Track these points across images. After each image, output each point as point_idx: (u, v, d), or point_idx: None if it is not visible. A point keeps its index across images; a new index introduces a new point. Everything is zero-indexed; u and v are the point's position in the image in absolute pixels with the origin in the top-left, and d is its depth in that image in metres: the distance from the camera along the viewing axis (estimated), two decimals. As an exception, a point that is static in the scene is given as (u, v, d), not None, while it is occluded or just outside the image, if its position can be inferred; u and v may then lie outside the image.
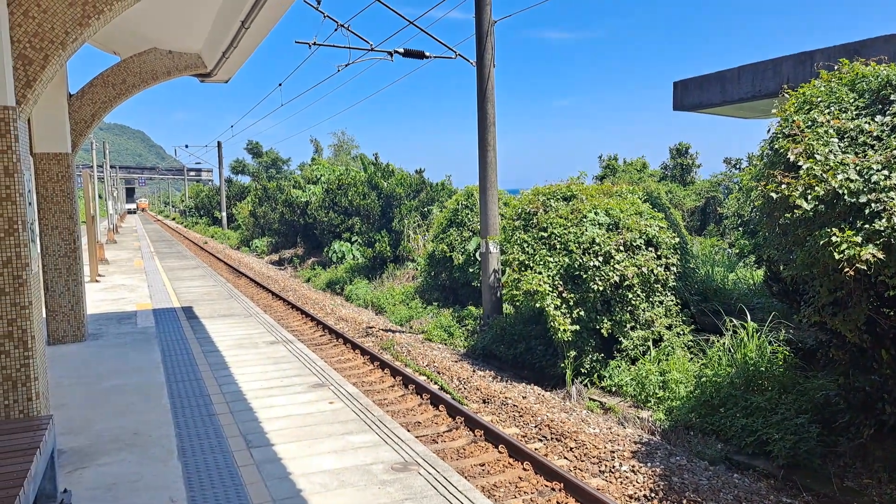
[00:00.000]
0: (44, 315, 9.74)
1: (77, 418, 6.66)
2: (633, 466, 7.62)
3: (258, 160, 78.04)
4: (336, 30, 15.50)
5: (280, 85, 23.16)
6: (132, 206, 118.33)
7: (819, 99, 7.14)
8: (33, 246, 4.98)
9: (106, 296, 15.74)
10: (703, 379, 9.26)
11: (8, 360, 4.74)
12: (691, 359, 10.29)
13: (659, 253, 11.16)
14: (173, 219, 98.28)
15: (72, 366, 8.79)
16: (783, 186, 6.62)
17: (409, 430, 8.83)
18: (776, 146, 7.16)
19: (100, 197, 48.02)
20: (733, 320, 9.91)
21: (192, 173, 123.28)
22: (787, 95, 7.72)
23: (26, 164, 4.97)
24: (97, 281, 18.72)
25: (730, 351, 9.47)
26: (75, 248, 9.97)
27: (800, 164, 6.61)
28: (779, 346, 9.12)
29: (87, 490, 5.00)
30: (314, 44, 16.08)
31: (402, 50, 15.79)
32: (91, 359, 9.18)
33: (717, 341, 9.93)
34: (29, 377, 4.80)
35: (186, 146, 72.12)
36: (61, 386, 7.82)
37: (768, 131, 7.67)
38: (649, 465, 7.65)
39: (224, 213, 56.95)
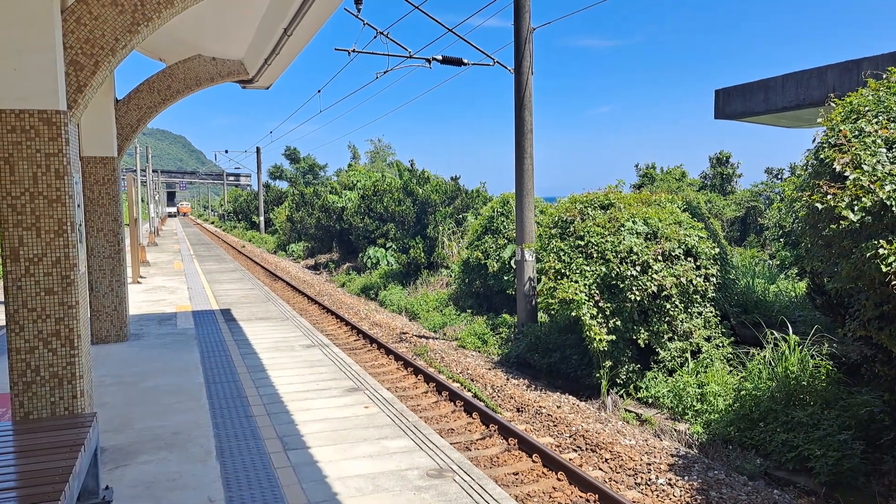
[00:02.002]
0: (88, 315, 9.97)
1: (119, 417, 6.79)
2: (670, 479, 7.51)
3: (296, 166, 78.93)
4: (375, 37, 15.63)
5: (319, 91, 23.45)
6: (172, 209, 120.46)
7: (867, 108, 6.99)
8: (81, 247, 5.11)
9: (147, 297, 16.05)
10: (743, 392, 9.09)
11: (55, 358, 4.86)
12: (730, 371, 10.10)
13: (698, 263, 10.99)
14: (212, 223, 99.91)
15: (114, 365, 8.98)
16: (829, 197, 6.49)
17: (443, 437, 8.83)
18: (822, 156, 7.02)
19: (142, 200, 49.05)
20: (774, 333, 9.72)
21: (231, 178, 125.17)
22: (833, 104, 7.57)
23: (76, 167, 5.11)
24: (139, 282, 19.10)
25: (770, 364, 9.28)
26: (119, 250, 10.19)
27: (846, 174, 6.47)
28: (821, 360, 8.91)
29: (128, 488, 5.09)
30: (353, 51, 16.25)
31: (440, 57, 15.86)
32: (133, 359, 9.37)
33: (758, 354, 9.74)
34: (74, 375, 4.91)
35: (226, 151, 73.38)
36: (104, 385, 7.99)
37: (813, 141, 7.53)
38: (686, 478, 7.52)
39: (262, 218, 57.71)
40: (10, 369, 4.78)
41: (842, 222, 6.33)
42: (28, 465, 3.78)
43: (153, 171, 63.27)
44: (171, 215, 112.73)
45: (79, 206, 5.14)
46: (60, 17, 4.82)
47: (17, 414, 4.82)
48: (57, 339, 4.85)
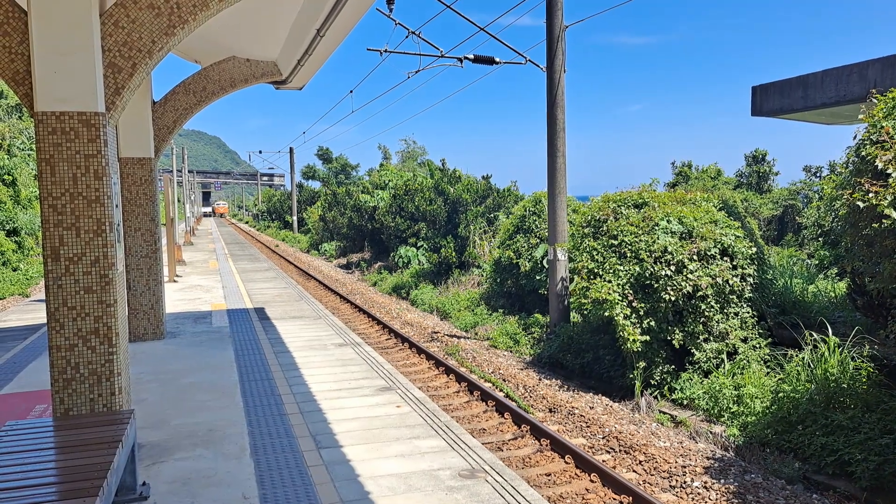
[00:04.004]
0: (126, 313, 10.15)
1: (156, 413, 6.90)
2: (706, 483, 7.40)
3: (328, 166, 79.54)
4: (407, 37, 15.66)
5: (351, 92, 23.59)
6: (208, 209, 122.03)
7: (911, 104, 6.80)
8: (119, 246, 5.20)
9: (183, 295, 16.29)
10: (781, 394, 8.91)
11: (94, 356, 4.95)
12: (768, 373, 9.92)
13: (735, 263, 10.82)
14: (246, 222, 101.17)
15: (151, 363, 9.12)
16: (871, 195, 6.33)
17: (475, 437, 8.81)
18: (863, 153, 6.86)
19: (178, 200, 49.86)
20: (813, 334, 9.52)
21: (265, 178, 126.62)
22: (875, 100, 7.38)
23: (114, 167, 5.20)
24: (175, 281, 19.41)
25: (809, 366, 9.09)
26: (156, 250, 10.36)
27: (889, 171, 6.31)
28: (862, 362, 8.70)
29: (165, 483, 5.17)
30: (385, 51, 16.30)
31: (472, 56, 15.84)
32: (169, 356, 9.51)
33: (796, 356, 9.55)
34: (113, 372, 5.00)
35: (260, 152, 74.30)
36: (141, 382, 8.12)
37: (854, 137, 7.36)
38: (722, 481, 7.41)
39: (295, 218, 58.28)
40: (51, 366, 4.89)
41: (884, 221, 6.17)
42: (68, 460, 3.86)
43: (189, 171, 64.28)
44: (206, 215, 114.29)
45: (117, 206, 5.22)
46: (99, 20, 4.91)
47: (57, 410, 4.92)
48: (96, 336, 4.95)
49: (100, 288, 4.93)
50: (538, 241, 16.94)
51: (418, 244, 26.16)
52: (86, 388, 4.95)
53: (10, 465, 3.75)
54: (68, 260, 4.86)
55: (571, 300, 13.21)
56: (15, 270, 22.09)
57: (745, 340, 10.59)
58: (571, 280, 13.39)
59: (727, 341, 10.48)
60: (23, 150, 31.81)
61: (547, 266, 14.99)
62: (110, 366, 4.99)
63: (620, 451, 8.42)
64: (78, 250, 4.87)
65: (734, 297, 10.69)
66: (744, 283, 10.73)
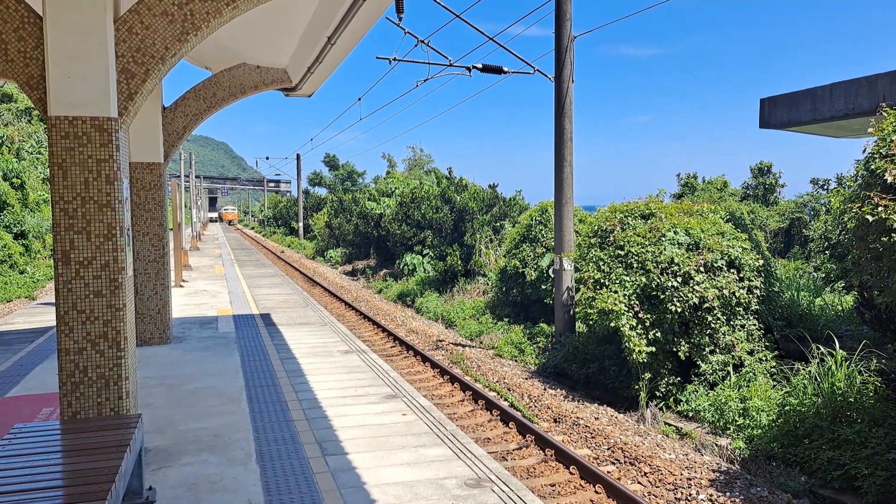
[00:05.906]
0: (134, 317, 10.16)
1: (162, 418, 6.91)
2: (711, 495, 7.36)
3: (335, 173, 79.76)
4: (416, 45, 15.74)
5: (360, 99, 23.66)
6: (214, 214, 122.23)
7: (920, 118, 6.80)
8: (128, 251, 5.22)
9: (189, 301, 16.32)
10: (787, 407, 8.88)
11: (102, 360, 4.97)
12: (774, 386, 9.88)
13: (741, 275, 10.79)
14: (252, 228, 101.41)
15: (158, 367, 9.14)
16: (880, 209, 6.32)
17: (480, 446, 8.79)
18: (872, 167, 6.86)
19: (185, 206, 50.01)
20: (820, 347, 9.48)
21: (272, 184, 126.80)
22: (884, 114, 7.38)
23: (125, 172, 5.23)
24: (181, 286, 19.45)
25: (816, 379, 9.05)
26: (164, 254, 10.39)
27: (899, 185, 6.30)
28: (870, 376, 8.66)
29: (171, 489, 5.17)
30: (394, 59, 16.36)
31: (480, 65, 15.89)
32: (175, 361, 9.53)
33: (803, 369, 9.51)
34: (120, 376, 5.02)
35: (267, 158, 74.51)
36: (147, 386, 8.14)
37: (864, 151, 7.35)
38: (728, 494, 7.37)
39: (301, 224, 58.38)
40: (60, 369, 4.90)
41: (893, 235, 6.16)
42: (75, 464, 3.87)
43: (195, 176, 64.50)
44: (212, 220, 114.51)
45: (127, 210, 5.25)
46: (113, 26, 4.95)
47: (65, 413, 4.94)
48: (104, 340, 4.96)
49: (109, 292, 4.95)
50: (544, 250, 16.94)
51: (424, 252, 26.17)
52: (93, 391, 4.96)
53: (17, 468, 3.75)
54: (79, 264, 4.88)
55: (577, 310, 13.20)
56: (22, 273, 22.18)
57: (751, 353, 10.56)
58: (577, 290, 13.37)
59: (733, 353, 10.45)
60: (31, 153, 31.99)
61: (553, 276, 14.98)
62: (118, 370, 5.00)
63: (625, 462, 8.39)
64: (88, 254, 4.90)
65: (741, 309, 10.66)
66: (750, 296, 10.71)
